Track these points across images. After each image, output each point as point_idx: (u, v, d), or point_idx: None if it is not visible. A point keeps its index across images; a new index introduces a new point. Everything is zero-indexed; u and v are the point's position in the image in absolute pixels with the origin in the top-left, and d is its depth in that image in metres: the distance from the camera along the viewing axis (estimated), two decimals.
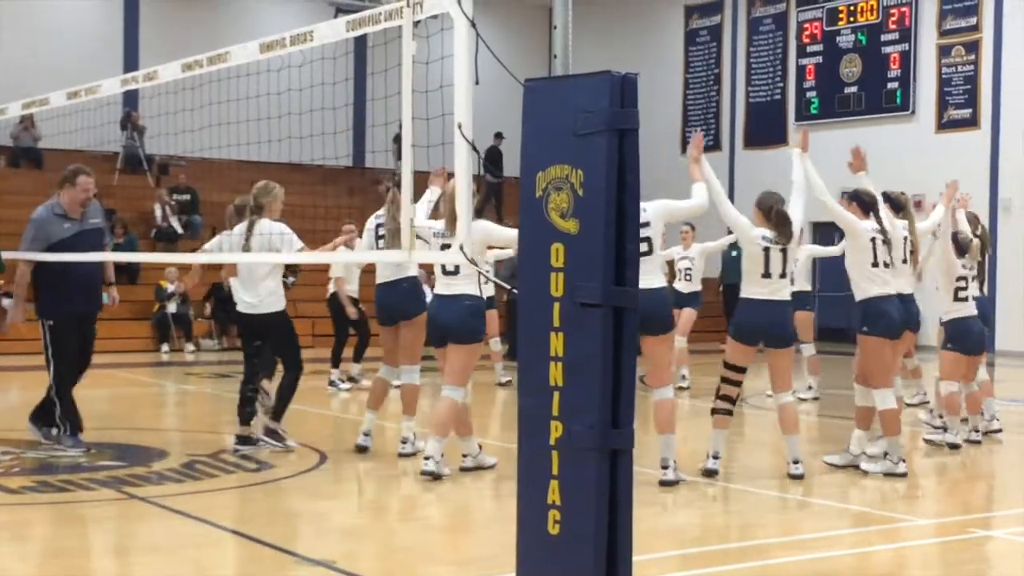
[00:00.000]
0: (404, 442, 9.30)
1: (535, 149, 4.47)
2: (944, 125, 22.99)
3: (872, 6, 24.25)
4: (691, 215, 8.83)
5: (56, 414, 9.27)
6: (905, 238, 9.09)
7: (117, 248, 20.73)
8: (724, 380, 8.69)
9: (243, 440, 9.36)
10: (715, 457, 8.64)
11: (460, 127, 5.09)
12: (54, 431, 9.31)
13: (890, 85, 23.90)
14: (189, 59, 7.63)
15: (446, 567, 6.17)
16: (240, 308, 9.36)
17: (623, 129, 4.28)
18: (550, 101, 4.45)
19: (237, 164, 19.75)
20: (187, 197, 23.73)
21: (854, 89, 24.51)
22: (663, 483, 8.15)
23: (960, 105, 22.87)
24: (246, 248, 9.09)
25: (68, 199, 9.52)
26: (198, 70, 7.56)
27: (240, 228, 9.31)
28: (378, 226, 9.57)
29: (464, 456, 8.74)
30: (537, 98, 4.50)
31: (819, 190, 8.86)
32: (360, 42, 17.58)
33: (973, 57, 22.72)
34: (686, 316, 14.34)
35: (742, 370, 8.66)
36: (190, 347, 20.31)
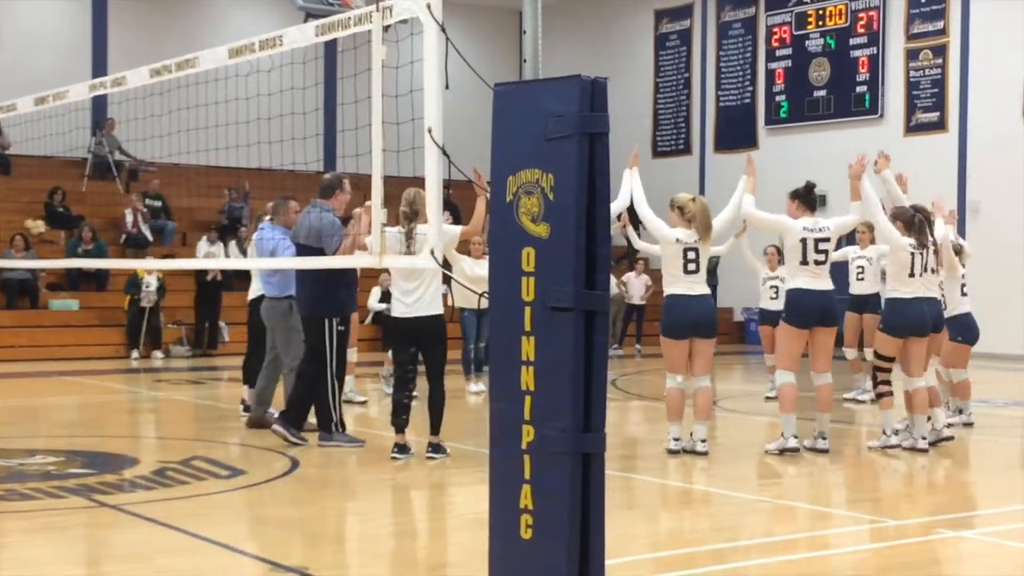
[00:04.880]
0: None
1: (505, 153, 4.47)
2: (912, 128, 23.12)
3: (841, 10, 24.36)
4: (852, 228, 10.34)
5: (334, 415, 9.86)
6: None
7: (87, 254, 20.62)
8: (879, 369, 10.02)
9: (401, 448, 9.30)
10: (895, 433, 9.99)
11: (430, 131, 5.10)
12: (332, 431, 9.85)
13: (859, 89, 24.01)
14: (158, 64, 7.61)
15: (419, 572, 6.16)
16: (395, 312, 9.27)
17: (593, 133, 4.28)
18: (520, 105, 4.45)
19: (207, 169, 19.66)
20: (158, 203, 23.61)
21: (823, 93, 24.61)
22: (816, 451, 9.74)
23: (928, 108, 23.01)
24: (408, 251, 8.94)
25: None
26: (167, 75, 7.54)
27: (398, 230, 9.05)
28: (686, 250, 9.47)
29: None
30: (507, 102, 4.50)
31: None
32: (330, 46, 17.59)
33: (940, 61, 22.86)
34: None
35: (893, 359, 10.00)
36: (158, 354, 20.15)
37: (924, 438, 9.84)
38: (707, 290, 9.63)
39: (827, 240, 9.56)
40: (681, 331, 9.45)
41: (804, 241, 9.51)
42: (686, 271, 9.44)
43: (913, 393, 9.92)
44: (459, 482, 8.68)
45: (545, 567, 4.33)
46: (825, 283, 9.61)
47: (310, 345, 9.80)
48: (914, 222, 9.73)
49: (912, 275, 9.75)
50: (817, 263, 9.55)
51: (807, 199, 9.73)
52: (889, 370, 9.99)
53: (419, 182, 5.46)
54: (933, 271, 9.96)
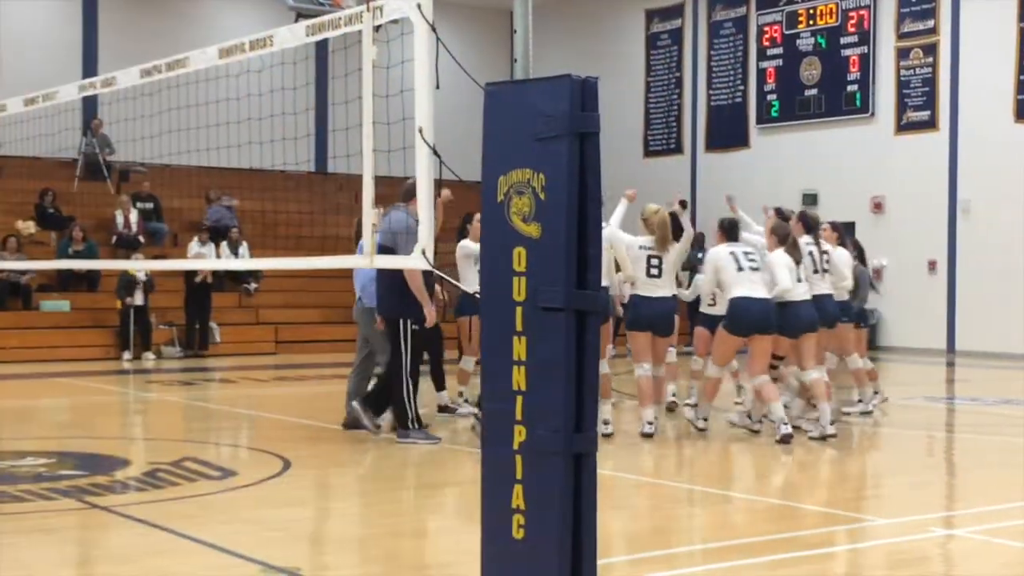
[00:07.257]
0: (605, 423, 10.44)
1: (496, 153, 4.46)
2: (903, 127, 23.15)
3: (831, 9, 24.39)
4: None
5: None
6: (811, 252, 10.91)
7: (77, 255, 20.56)
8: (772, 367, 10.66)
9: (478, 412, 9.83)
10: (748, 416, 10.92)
11: (421, 131, 5.09)
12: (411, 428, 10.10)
13: (849, 87, 24.03)
14: (148, 64, 7.58)
15: (411, 573, 6.15)
16: None
17: (584, 133, 4.27)
18: (511, 105, 4.44)
19: (197, 170, 19.64)
20: (150, 205, 23.52)
21: (814, 92, 24.62)
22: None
23: (919, 107, 23.04)
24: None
25: None
26: (157, 76, 7.51)
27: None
28: (650, 256, 10.43)
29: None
30: (498, 102, 4.49)
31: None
32: (321, 46, 17.54)
33: (931, 59, 22.90)
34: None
35: (782, 358, 10.82)
36: (149, 355, 20.04)
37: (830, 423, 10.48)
38: (669, 292, 10.54)
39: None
40: (640, 326, 10.51)
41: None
42: (648, 275, 10.39)
43: (811, 384, 10.74)
44: (451, 482, 8.67)
45: (537, 567, 4.32)
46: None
47: (390, 345, 10.13)
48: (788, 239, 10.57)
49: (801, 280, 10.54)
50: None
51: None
52: (776, 367, 10.74)
53: None
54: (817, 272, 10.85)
